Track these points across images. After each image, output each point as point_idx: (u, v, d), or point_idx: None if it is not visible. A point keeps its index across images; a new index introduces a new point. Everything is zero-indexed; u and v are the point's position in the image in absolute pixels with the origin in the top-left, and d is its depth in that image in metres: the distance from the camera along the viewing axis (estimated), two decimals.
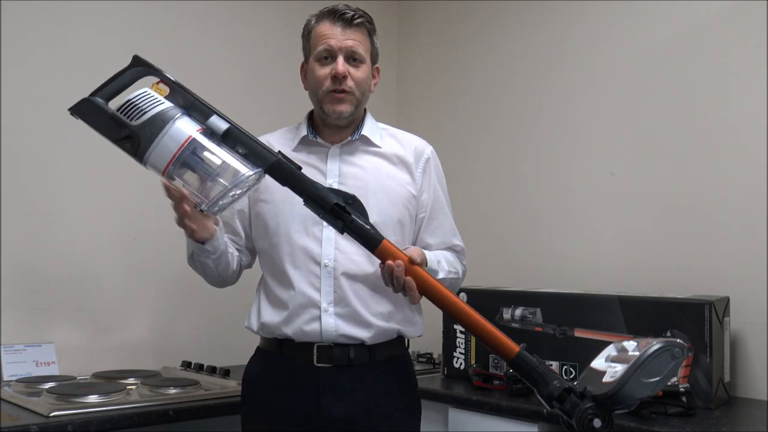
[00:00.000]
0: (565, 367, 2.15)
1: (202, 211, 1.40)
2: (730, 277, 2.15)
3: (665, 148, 2.34)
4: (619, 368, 1.23)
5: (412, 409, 1.72)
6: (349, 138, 1.71)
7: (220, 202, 1.38)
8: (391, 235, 1.64)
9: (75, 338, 2.28)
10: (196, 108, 1.40)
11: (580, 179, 2.57)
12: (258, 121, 2.55)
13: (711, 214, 2.22)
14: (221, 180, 1.37)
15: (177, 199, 1.46)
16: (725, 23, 2.23)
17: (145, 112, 1.36)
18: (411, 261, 1.44)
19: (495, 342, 1.43)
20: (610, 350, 1.33)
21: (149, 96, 1.38)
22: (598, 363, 1.32)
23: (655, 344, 1.22)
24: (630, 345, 1.29)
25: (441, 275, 1.64)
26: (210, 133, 1.39)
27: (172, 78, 1.42)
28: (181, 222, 1.53)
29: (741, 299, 2.11)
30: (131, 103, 1.37)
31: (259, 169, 1.40)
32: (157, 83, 1.42)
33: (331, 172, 1.68)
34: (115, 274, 2.38)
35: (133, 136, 1.35)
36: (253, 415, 1.70)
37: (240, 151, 1.40)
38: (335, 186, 1.65)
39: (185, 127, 1.37)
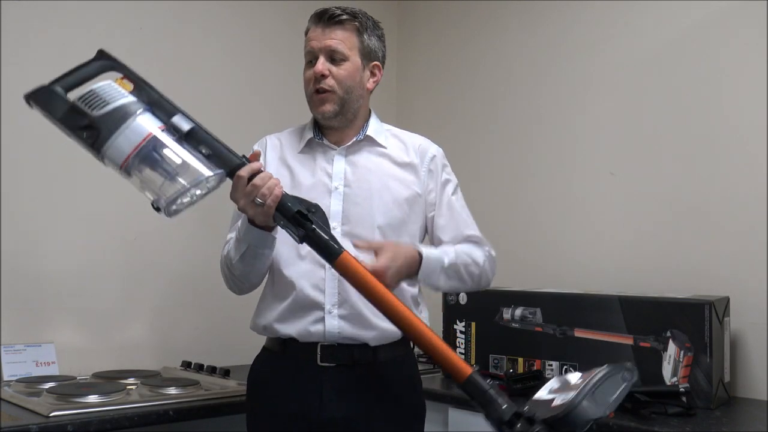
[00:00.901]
0: (565, 367, 2.15)
1: (158, 209, 1.37)
2: (730, 277, 2.15)
3: (665, 148, 2.34)
4: (570, 393, 1.22)
5: (416, 410, 1.71)
6: (355, 139, 1.71)
7: (178, 201, 1.35)
8: (395, 236, 1.65)
9: (75, 338, 2.28)
10: (159, 106, 1.38)
11: (580, 179, 2.57)
12: (258, 121, 2.57)
13: (711, 214, 2.22)
14: (180, 179, 1.34)
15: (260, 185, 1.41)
16: (725, 23, 2.22)
17: (108, 104, 1.33)
18: (374, 273, 1.42)
19: (447, 361, 1.38)
20: (553, 383, 1.32)
21: (113, 88, 1.36)
22: (542, 394, 1.30)
23: (605, 368, 1.22)
24: (574, 376, 1.28)
25: (447, 261, 1.63)
26: (173, 131, 1.37)
27: (136, 74, 1.40)
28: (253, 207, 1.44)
29: (741, 299, 2.11)
30: (94, 94, 1.34)
31: (221, 171, 1.38)
32: (122, 78, 1.39)
33: (337, 175, 1.68)
34: (115, 274, 2.38)
35: (93, 127, 1.32)
36: (257, 414, 1.70)
37: (203, 151, 1.38)
38: (340, 188, 1.66)
39: (147, 123, 1.35)
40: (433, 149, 1.77)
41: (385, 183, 1.68)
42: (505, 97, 2.82)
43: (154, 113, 1.37)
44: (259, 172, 1.42)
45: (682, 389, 1.90)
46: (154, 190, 1.36)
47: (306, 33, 1.70)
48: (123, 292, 2.40)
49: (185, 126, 1.37)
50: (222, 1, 2.68)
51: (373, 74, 1.73)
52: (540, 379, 2.08)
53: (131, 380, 2.07)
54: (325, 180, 1.67)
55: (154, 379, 2.11)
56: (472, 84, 2.93)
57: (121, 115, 1.33)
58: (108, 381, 2.04)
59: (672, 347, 1.97)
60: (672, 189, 2.31)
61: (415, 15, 3.19)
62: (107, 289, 2.36)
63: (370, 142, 1.72)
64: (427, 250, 1.61)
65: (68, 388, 1.88)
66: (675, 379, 1.96)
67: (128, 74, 1.40)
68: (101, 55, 1.41)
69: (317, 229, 1.40)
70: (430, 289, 1.69)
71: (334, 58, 1.65)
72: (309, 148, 1.73)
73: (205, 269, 2.54)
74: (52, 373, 2.13)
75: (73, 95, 1.36)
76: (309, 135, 1.73)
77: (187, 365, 2.36)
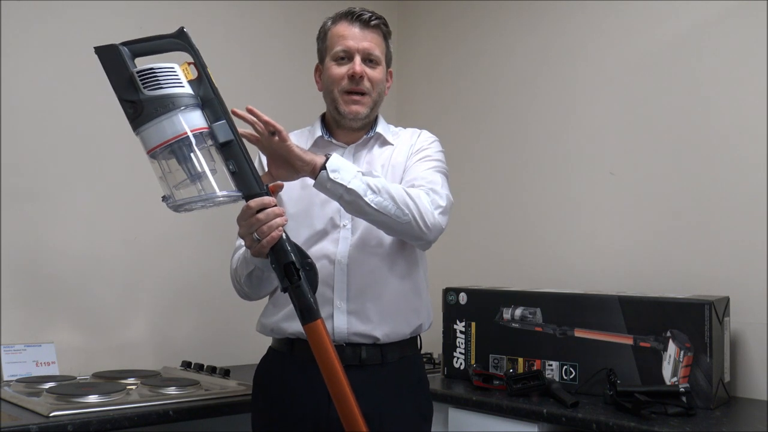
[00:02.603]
0: (565, 367, 2.15)
1: (167, 204, 1.37)
2: (730, 277, 2.15)
3: (665, 148, 2.34)
4: None
5: (423, 411, 1.70)
6: (365, 137, 1.72)
7: (186, 206, 1.36)
8: None
9: (75, 338, 2.28)
10: (211, 106, 1.38)
11: (580, 179, 2.57)
12: None
13: (711, 214, 2.22)
14: (195, 187, 1.35)
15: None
16: (725, 23, 2.22)
17: (161, 88, 1.33)
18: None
19: (348, 414, 1.39)
20: None
21: (173, 73, 1.36)
22: None
23: None
24: None
25: (363, 172, 1.52)
26: (211, 136, 1.37)
27: (204, 65, 1.39)
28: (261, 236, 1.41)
29: (741, 299, 2.11)
30: (153, 73, 1.34)
31: (237, 194, 1.38)
32: (189, 64, 1.40)
33: None
34: (115, 274, 2.38)
35: (138, 105, 1.33)
36: (264, 414, 1.70)
37: (230, 167, 1.37)
38: None
39: (188, 120, 1.34)
40: (430, 135, 1.76)
41: (385, 172, 1.68)
42: (505, 96, 2.82)
43: (203, 111, 1.37)
44: (268, 207, 1.39)
45: (682, 389, 1.90)
46: (169, 185, 1.36)
47: (327, 30, 1.71)
48: (123, 292, 2.40)
49: (223, 136, 1.37)
50: (222, 1, 2.68)
51: (387, 79, 1.75)
52: (540, 379, 2.08)
53: (131, 380, 2.07)
54: None
55: (154, 379, 2.11)
56: (471, 83, 2.93)
57: (167, 104, 1.33)
58: (108, 381, 2.04)
59: (672, 347, 1.97)
60: (672, 189, 2.31)
61: (415, 15, 3.19)
62: (107, 289, 2.36)
63: (379, 140, 1.73)
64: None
65: (68, 388, 1.88)
66: (675, 379, 1.96)
67: (197, 63, 1.40)
68: (180, 33, 1.41)
69: (301, 288, 1.38)
70: (355, 210, 1.53)
71: (370, 60, 1.66)
72: (317, 147, 1.73)
73: (206, 269, 2.55)
74: (52, 373, 2.13)
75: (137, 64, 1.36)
76: (318, 133, 1.73)
77: (187, 365, 2.36)
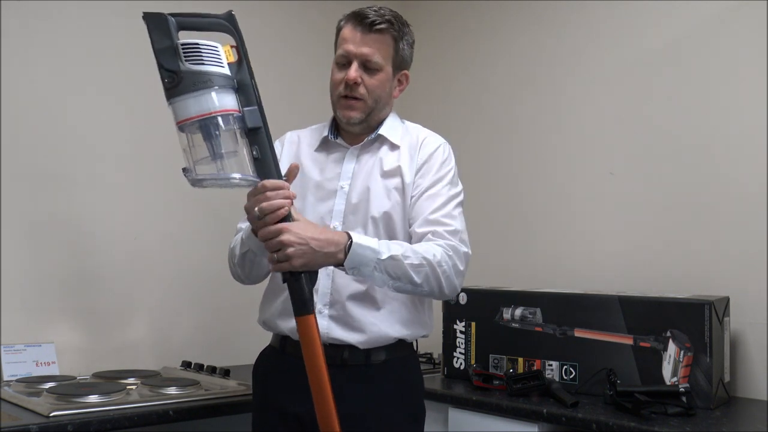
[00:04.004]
0: (565, 367, 2.15)
1: (186, 177, 1.39)
2: (730, 277, 2.15)
3: (665, 148, 2.34)
4: None
5: (411, 412, 1.68)
6: (367, 138, 1.71)
7: (205, 182, 1.39)
8: (389, 229, 1.63)
9: (75, 338, 2.28)
10: (245, 91, 1.41)
11: (580, 179, 2.57)
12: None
13: (711, 214, 2.22)
14: (216, 165, 1.38)
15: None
16: (725, 23, 2.22)
17: (202, 63, 1.37)
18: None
19: (324, 412, 1.41)
20: None
21: (215, 52, 1.39)
22: None
23: None
24: None
25: (386, 254, 1.49)
26: (240, 120, 1.40)
27: (245, 51, 1.43)
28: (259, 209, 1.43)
29: (741, 299, 2.11)
30: (197, 48, 1.38)
31: (255, 180, 1.41)
32: (231, 47, 1.43)
33: (345, 174, 1.68)
34: (115, 274, 2.38)
35: (177, 76, 1.36)
36: (257, 411, 1.72)
37: (254, 153, 1.41)
38: (346, 188, 1.65)
39: (221, 101, 1.37)
40: (436, 143, 1.72)
41: (384, 177, 1.66)
42: (505, 96, 2.82)
43: (237, 94, 1.40)
44: (280, 188, 1.42)
45: (682, 389, 1.90)
46: (192, 159, 1.39)
47: (338, 30, 1.69)
48: (123, 292, 2.40)
49: (252, 122, 1.41)
50: (222, 1, 2.67)
51: (400, 82, 1.73)
52: (540, 379, 2.08)
53: (131, 380, 2.07)
54: (333, 179, 1.67)
55: (154, 379, 2.11)
56: (471, 84, 2.93)
57: (204, 80, 1.36)
58: (108, 381, 2.04)
59: (672, 347, 1.97)
60: (672, 189, 2.31)
61: (415, 15, 3.17)
62: (107, 289, 2.36)
63: (383, 141, 1.71)
64: (360, 236, 1.51)
65: (68, 388, 1.88)
66: (675, 379, 1.96)
67: (239, 47, 1.43)
68: (229, 16, 1.45)
69: (300, 280, 1.42)
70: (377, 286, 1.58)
71: (368, 66, 1.64)
72: (324, 146, 1.73)
73: (206, 269, 2.55)
74: (52, 373, 2.13)
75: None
76: (324, 133, 1.74)
77: (187, 365, 2.36)
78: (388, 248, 1.50)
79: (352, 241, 1.46)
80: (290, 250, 1.40)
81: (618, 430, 1.75)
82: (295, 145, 1.76)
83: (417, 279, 1.51)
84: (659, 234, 2.33)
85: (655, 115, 2.37)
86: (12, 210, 2.17)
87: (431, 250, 1.54)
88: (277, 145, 1.68)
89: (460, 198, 1.68)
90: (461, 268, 1.59)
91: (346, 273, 1.49)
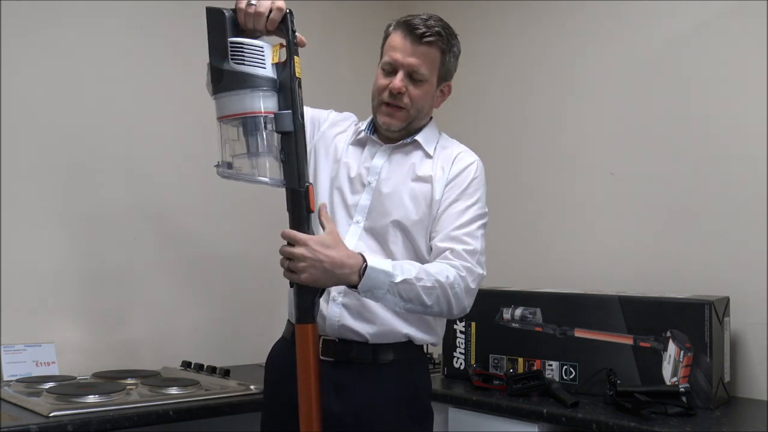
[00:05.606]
0: (565, 367, 2.15)
1: (217, 171, 1.45)
2: (730, 277, 2.15)
3: (665, 148, 2.34)
4: None
5: (415, 414, 1.67)
6: (402, 141, 1.71)
7: (232, 178, 1.46)
8: (410, 234, 1.64)
9: (75, 338, 2.27)
10: (285, 93, 1.44)
11: (580, 179, 2.57)
12: None
13: (711, 214, 2.22)
14: (246, 162, 1.43)
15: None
16: (725, 23, 2.23)
17: (244, 64, 1.40)
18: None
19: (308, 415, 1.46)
20: None
21: (260, 53, 1.42)
22: None
23: None
24: None
25: (399, 277, 1.49)
26: (275, 123, 1.43)
27: (295, 53, 1.45)
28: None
29: (741, 299, 2.11)
30: (242, 48, 1.41)
31: (280, 182, 1.46)
32: (281, 46, 1.45)
33: (374, 170, 1.69)
34: (115, 274, 2.38)
35: (221, 73, 1.40)
36: (265, 401, 1.74)
37: (282, 156, 1.44)
38: (374, 183, 1.67)
39: (257, 103, 1.41)
40: (469, 159, 1.71)
41: (411, 182, 1.67)
42: (504, 96, 2.82)
43: (277, 95, 1.44)
44: (295, 241, 1.45)
45: (682, 389, 1.90)
46: (225, 153, 1.44)
47: (386, 36, 1.69)
48: (123, 292, 2.40)
49: (282, 126, 1.43)
50: (222, 1, 2.67)
51: (442, 93, 1.73)
52: (540, 379, 2.08)
53: (131, 380, 2.07)
54: (363, 174, 1.68)
55: (154, 379, 2.11)
56: (470, 84, 2.92)
57: (244, 82, 1.40)
58: (108, 381, 2.04)
59: (672, 347, 1.97)
60: (672, 189, 2.31)
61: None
62: (107, 289, 2.36)
63: (417, 147, 1.71)
64: (375, 259, 1.51)
65: (68, 388, 1.88)
66: (675, 379, 1.96)
67: (288, 47, 1.45)
68: (283, 17, 1.46)
69: (304, 288, 1.46)
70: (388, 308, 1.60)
71: (413, 77, 1.64)
72: (359, 140, 1.75)
73: (206, 269, 2.55)
74: (52, 373, 2.13)
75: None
76: (362, 127, 1.75)
77: (187, 365, 2.36)
78: (401, 270, 1.51)
79: (366, 264, 1.48)
80: (301, 264, 1.42)
81: (618, 430, 1.75)
82: (337, 128, 1.77)
83: (428, 301, 1.54)
84: (659, 234, 2.33)
85: (655, 115, 2.37)
86: (12, 210, 2.17)
87: (444, 271, 1.55)
88: (327, 113, 1.76)
89: (485, 220, 1.69)
90: (472, 287, 1.61)
91: (360, 295, 1.52)
